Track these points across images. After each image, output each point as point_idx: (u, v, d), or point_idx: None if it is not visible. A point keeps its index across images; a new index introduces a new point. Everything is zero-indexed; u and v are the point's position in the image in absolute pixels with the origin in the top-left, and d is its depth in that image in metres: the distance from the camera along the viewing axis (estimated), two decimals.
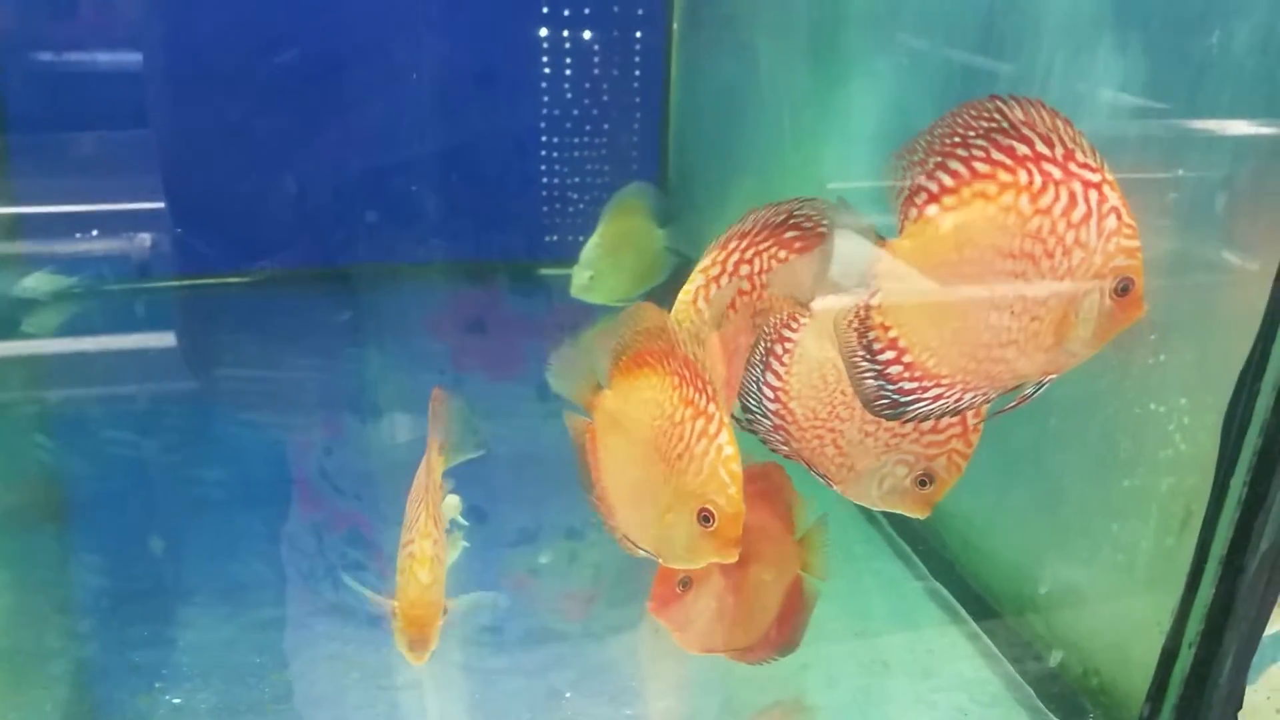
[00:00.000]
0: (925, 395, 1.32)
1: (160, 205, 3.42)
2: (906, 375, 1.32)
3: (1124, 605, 1.90)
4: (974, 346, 1.31)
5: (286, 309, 3.67)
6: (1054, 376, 1.34)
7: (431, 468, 1.60)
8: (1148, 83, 1.83)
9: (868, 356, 1.33)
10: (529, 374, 3.03)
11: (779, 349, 1.49)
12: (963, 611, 2.28)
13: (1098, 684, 1.96)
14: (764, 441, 1.52)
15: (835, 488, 1.54)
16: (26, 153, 3.14)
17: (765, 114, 3.21)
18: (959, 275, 1.30)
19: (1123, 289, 1.25)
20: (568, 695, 2.02)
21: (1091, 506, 1.97)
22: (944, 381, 1.32)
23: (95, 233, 3.39)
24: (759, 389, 1.48)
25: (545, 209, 3.81)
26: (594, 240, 2.66)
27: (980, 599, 2.27)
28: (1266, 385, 1.58)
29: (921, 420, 1.38)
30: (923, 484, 1.50)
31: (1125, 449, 1.83)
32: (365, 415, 3.03)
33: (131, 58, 3.31)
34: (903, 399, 1.33)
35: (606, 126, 3.75)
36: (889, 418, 1.36)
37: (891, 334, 1.32)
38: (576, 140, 3.75)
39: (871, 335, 1.32)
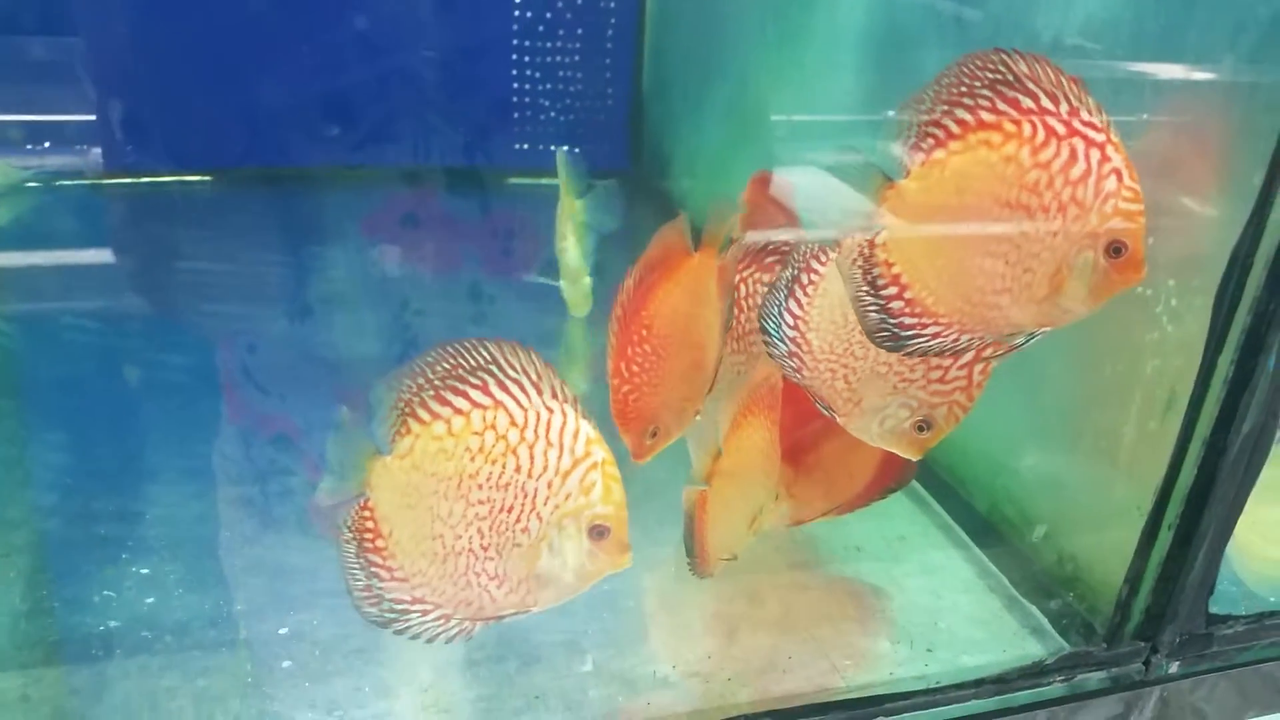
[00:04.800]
0: (924, 332, 1.39)
1: (114, 104, 3.29)
2: (907, 311, 1.38)
3: (1103, 491, 1.90)
4: (969, 290, 1.36)
5: (242, 208, 3.59)
6: (1047, 329, 1.37)
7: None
8: None
9: (872, 291, 1.38)
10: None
11: (804, 278, 1.55)
12: (934, 502, 2.29)
13: (1072, 570, 1.96)
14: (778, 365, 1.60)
15: (839, 419, 1.59)
16: None
17: (746, 15, 3.15)
18: (958, 219, 1.35)
19: (1115, 250, 1.28)
20: None
21: (1073, 393, 1.96)
22: (942, 320, 1.37)
23: (50, 129, 3.31)
24: (780, 313, 1.56)
25: (516, 115, 3.71)
26: (572, 243, 2.41)
27: (950, 489, 2.27)
28: (1259, 261, 1.57)
29: (920, 355, 1.43)
30: (920, 429, 1.57)
31: (1109, 334, 1.82)
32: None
33: None
34: (903, 333, 1.39)
35: (580, 31, 3.66)
36: (889, 349, 1.43)
37: (895, 270, 1.38)
38: (548, 45, 3.65)
39: (876, 271, 1.38)
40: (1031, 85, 1.28)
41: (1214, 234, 1.63)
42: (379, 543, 1.33)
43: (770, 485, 1.70)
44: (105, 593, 1.85)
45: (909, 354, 1.44)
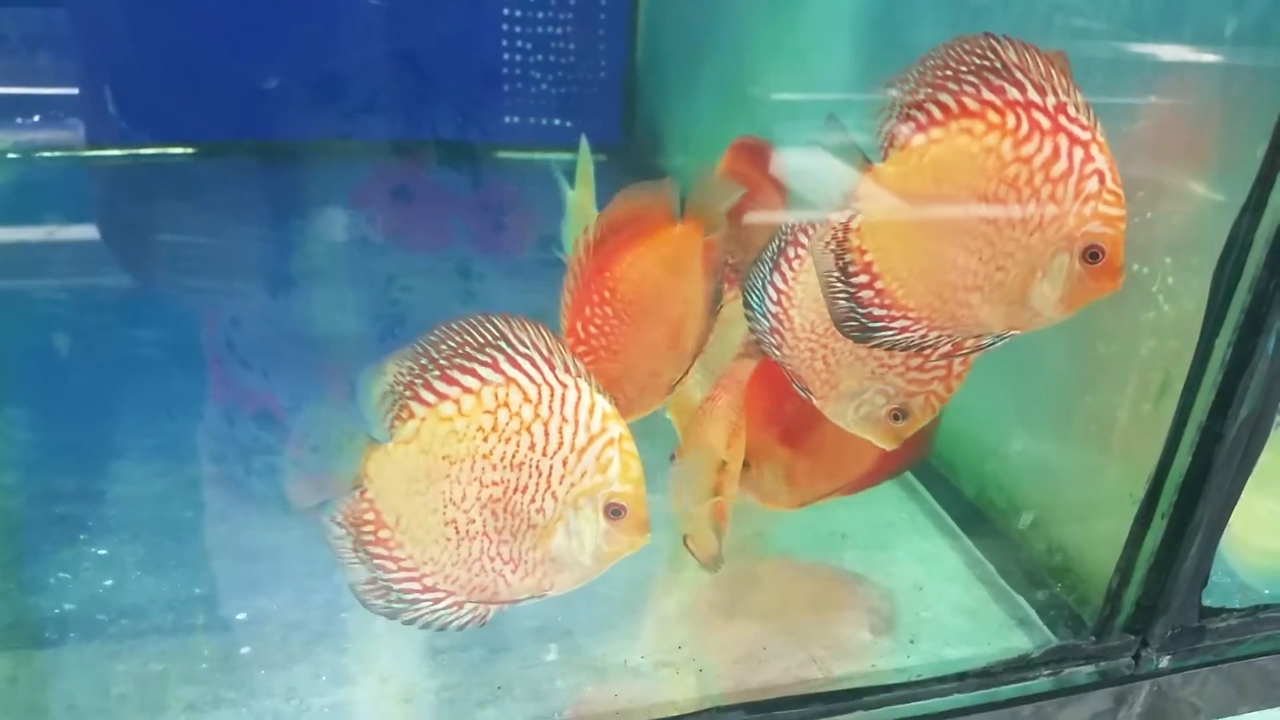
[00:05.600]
0: (892, 325, 1.36)
1: (97, 77, 3.26)
2: (876, 301, 1.34)
3: (1095, 478, 1.86)
4: (940, 284, 1.32)
5: (225, 181, 3.52)
6: (1016, 332, 1.33)
7: None
8: None
9: (842, 278, 1.35)
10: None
11: (791, 251, 1.49)
12: (921, 488, 2.24)
13: (1062, 560, 1.92)
14: (757, 341, 1.56)
15: (815, 401, 1.55)
16: None
17: None
18: (935, 209, 1.31)
19: (1092, 255, 1.24)
20: None
21: (1064, 375, 1.91)
22: (911, 314, 1.34)
23: (32, 101, 3.26)
24: (764, 287, 1.51)
25: (505, 88, 3.63)
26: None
27: (939, 474, 2.23)
28: (1258, 240, 1.51)
29: (887, 349, 1.42)
30: (896, 418, 1.55)
31: (1103, 313, 1.75)
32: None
33: None
34: (871, 324, 1.36)
35: (572, 1, 3.58)
36: (855, 339, 1.39)
37: (867, 258, 1.35)
38: (540, 16, 3.56)
39: (848, 257, 1.34)
40: (1019, 75, 1.24)
41: (1213, 210, 1.58)
42: (382, 534, 1.29)
43: (716, 460, 1.63)
44: (61, 575, 1.80)
45: (875, 346, 1.41)
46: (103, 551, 1.85)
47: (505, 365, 1.23)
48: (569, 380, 1.23)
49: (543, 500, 1.24)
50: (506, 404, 1.22)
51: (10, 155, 3.29)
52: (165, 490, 2.04)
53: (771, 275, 1.51)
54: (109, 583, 1.79)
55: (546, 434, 1.22)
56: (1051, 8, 1.87)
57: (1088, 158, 1.22)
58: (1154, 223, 1.66)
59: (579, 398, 1.23)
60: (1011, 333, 1.35)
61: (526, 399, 1.22)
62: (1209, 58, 1.63)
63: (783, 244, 1.51)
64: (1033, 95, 1.23)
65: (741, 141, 1.81)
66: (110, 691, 1.57)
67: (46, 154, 3.35)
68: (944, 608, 1.91)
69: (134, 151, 3.51)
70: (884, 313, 1.35)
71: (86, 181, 3.46)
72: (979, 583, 1.99)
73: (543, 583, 1.29)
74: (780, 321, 1.52)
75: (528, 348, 1.23)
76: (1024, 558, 1.99)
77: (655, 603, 1.87)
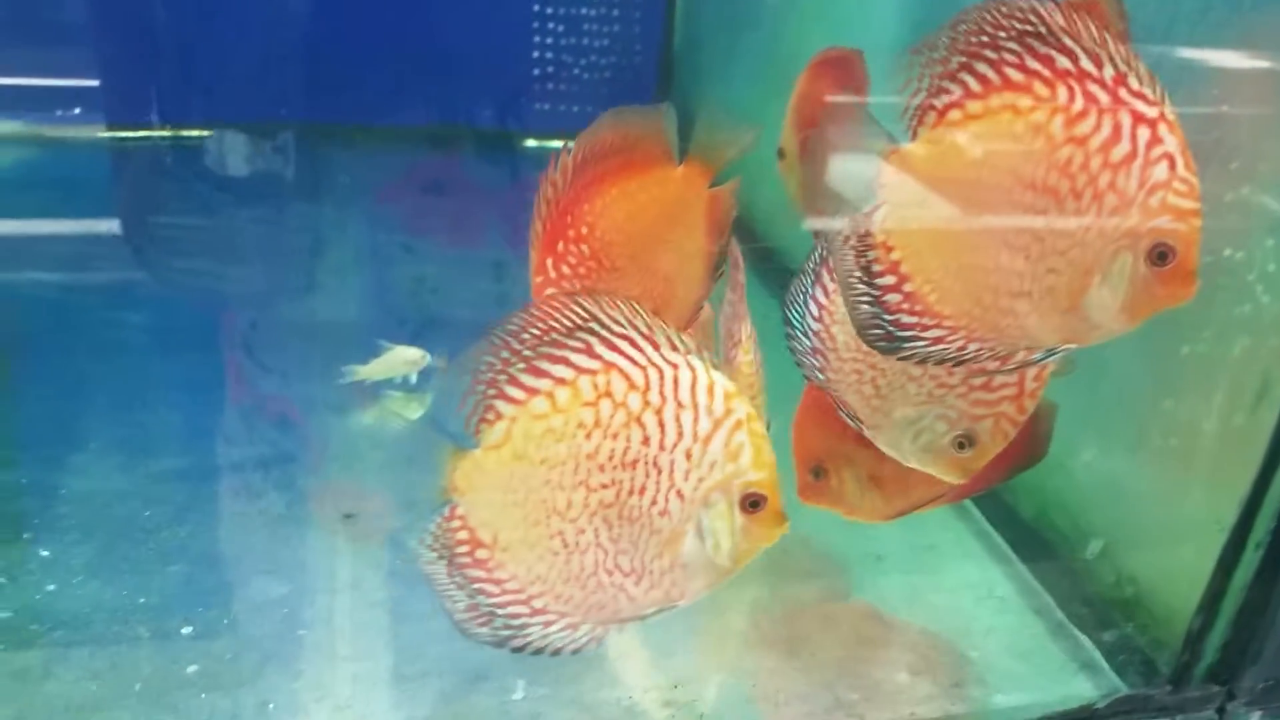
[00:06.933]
0: (924, 334, 1.24)
1: (112, 59, 3.26)
2: (905, 307, 1.23)
3: (1175, 500, 1.71)
4: (981, 288, 1.20)
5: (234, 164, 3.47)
6: (1072, 347, 1.22)
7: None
8: None
9: (865, 279, 1.24)
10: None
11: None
12: (970, 505, 2.08)
13: (1133, 593, 1.76)
14: (798, 364, 1.47)
15: (866, 432, 1.46)
16: None
17: None
18: (973, 199, 1.19)
19: (1160, 256, 1.11)
20: None
21: (1140, 378, 1.75)
22: (946, 323, 1.23)
23: (45, 83, 3.28)
24: (805, 302, 1.44)
25: (536, 73, 3.53)
26: None
27: (991, 491, 2.03)
28: None
29: (919, 362, 1.28)
30: (961, 446, 1.43)
31: (1189, 306, 1.57)
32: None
33: None
34: (899, 333, 1.24)
35: None
36: (882, 350, 1.27)
37: (893, 256, 1.23)
38: None
39: (871, 255, 1.23)
40: (1070, 42, 1.10)
41: None
42: (480, 553, 1.19)
43: None
44: None
45: (905, 359, 1.26)
46: (45, 553, 1.75)
47: (601, 349, 1.12)
48: (678, 359, 1.11)
49: (666, 501, 1.12)
50: (609, 393, 1.12)
51: (19, 134, 3.32)
52: (126, 487, 1.93)
53: (814, 289, 1.42)
54: (50, 588, 1.68)
55: (661, 424, 1.11)
56: None
57: (1154, 139, 1.08)
58: (1249, 197, 1.49)
59: (694, 378, 1.11)
60: (1066, 346, 1.21)
61: (632, 385, 1.11)
62: None
63: (827, 253, 1.40)
64: (1086, 65, 1.10)
65: (826, 55, 1.66)
66: (27, 716, 1.46)
67: (57, 134, 3.36)
68: (994, 647, 1.77)
69: (147, 133, 3.49)
70: (914, 320, 1.23)
71: (94, 163, 3.44)
72: (1036, 618, 1.84)
73: (671, 593, 1.18)
74: (822, 340, 1.43)
75: (624, 326, 1.11)
76: (1089, 590, 1.85)
77: (652, 629, 1.71)
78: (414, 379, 2.19)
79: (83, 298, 2.60)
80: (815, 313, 1.43)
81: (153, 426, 2.09)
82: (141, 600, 1.66)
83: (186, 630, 1.61)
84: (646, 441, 1.11)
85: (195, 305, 2.57)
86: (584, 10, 3.45)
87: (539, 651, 1.21)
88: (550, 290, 1.34)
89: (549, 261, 1.34)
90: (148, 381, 2.24)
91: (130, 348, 2.39)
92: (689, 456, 1.11)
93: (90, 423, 2.09)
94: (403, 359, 2.18)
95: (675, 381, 1.10)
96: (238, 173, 2.94)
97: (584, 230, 1.34)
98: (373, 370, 2.16)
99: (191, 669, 1.54)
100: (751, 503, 1.12)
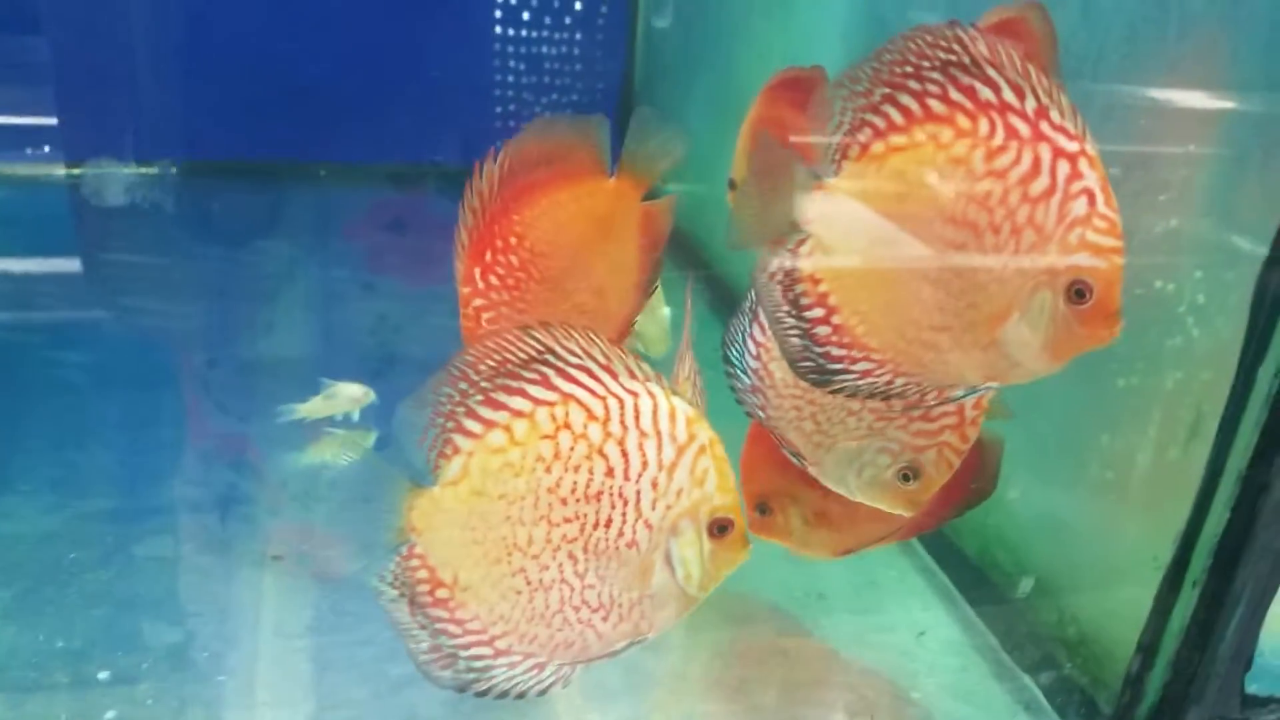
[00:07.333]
0: (854, 367, 1.21)
1: (77, 97, 3.25)
2: (835, 339, 1.21)
3: (1113, 536, 1.70)
4: (904, 322, 1.18)
5: (198, 201, 3.47)
6: (993, 385, 1.19)
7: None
8: None
9: (793, 312, 1.22)
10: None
11: None
12: (914, 542, 2.05)
13: (1075, 633, 1.72)
14: (739, 402, 1.44)
15: (810, 469, 1.44)
16: None
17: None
18: (896, 233, 1.17)
19: (1078, 294, 1.08)
20: None
21: (1076, 412, 1.73)
22: (874, 356, 1.21)
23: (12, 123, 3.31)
24: (744, 341, 1.42)
25: (499, 110, 3.53)
26: None
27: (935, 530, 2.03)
28: None
29: (848, 396, 1.27)
30: (906, 478, 1.40)
31: (1121, 339, 1.55)
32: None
33: None
34: (830, 365, 1.22)
35: (568, 20, 3.45)
36: (813, 383, 1.25)
37: (821, 289, 1.21)
38: (534, 35, 3.46)
39: (799, 289, 1.21)
40: (992, 73, 1.08)
41: (1253, 214, 1.39)
42: (440, 593, 1.16)
43: None
44: None
45: (836, 392, 1.24)
46: None
47: (558, 380, 1.10)
48: (638, 387, 1.09)
49: (634, 531, 1.10)
50: (568, 425, 1.09)
51: None
52: (53, 528, 1.88)
53: (751, 327, 1.41)
54: None
55: (625, 454, 1.09)
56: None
57: (1074, 174, 1.06)
58: (1180, 230, 1.48)
59: (655, 405, 1.09)
60: (988, 385, 1.19)
61: (592, 416, 1.09)
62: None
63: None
64: (1009, 96, 1.08)
65: (784, 77, 1.63)
66: None
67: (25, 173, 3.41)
68: (936, 687, 1.73)
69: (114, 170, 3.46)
70: (843, 352, 1.20)
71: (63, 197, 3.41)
72: (978, 657, 1.80)
73: (640, 625, 1.15)
74: (761, 379, 1.41)
75: (580, 357, 1.10)
76: (1031, 630, 1.80)
77: (592, 672, 1.62)
78: (356, 416, 2.15)
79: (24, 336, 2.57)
80: (753, 350, 1.41)
81: (85, 467, 2.06)
82: (60, 644, 1.61)
83: (104, 675, 1.55)
84: (610, 473, 1.09)
85: (147, 344, 2.54)
86: (546, 49, 3.44)
87: (503, 695, 1.17)
88: (478, 301, 1.32)
89: (476, 271, 1.32)
90: (84, 421, 2.21)
91: (67, 385, 2.36)
92: (655, 485, 1.09)
93: (23, 462, 2.04)
94: (346, 396, 2.15)
95: (636, 410, 1.09)
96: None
97: (513, 240, 1.32)
98: (313, 408, 2.12)
99: (109, 715, 1.49)
100: (719, 528, 1.10)
